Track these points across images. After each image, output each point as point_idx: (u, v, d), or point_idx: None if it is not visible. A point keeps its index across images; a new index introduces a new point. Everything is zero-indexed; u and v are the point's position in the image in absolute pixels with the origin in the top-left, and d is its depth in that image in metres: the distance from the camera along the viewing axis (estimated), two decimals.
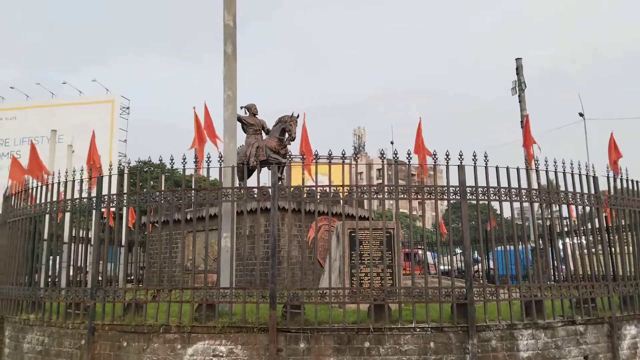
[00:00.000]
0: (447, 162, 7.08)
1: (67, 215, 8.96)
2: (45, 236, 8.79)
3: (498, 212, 7.87)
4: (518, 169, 7.34)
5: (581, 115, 27.88)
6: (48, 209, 8.19)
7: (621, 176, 8.21)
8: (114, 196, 7.55)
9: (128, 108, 27.64)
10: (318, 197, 7.35)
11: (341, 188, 7.10)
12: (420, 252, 17.01)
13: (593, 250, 7.85)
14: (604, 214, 8.22)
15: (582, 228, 8.04)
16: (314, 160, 7.37)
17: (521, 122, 17.40)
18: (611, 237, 8.43)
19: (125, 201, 7.67)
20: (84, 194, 7.84)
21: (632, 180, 8.36)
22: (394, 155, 7.45)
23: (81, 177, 7.80)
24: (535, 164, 7.64)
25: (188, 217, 12.30)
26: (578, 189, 7.67)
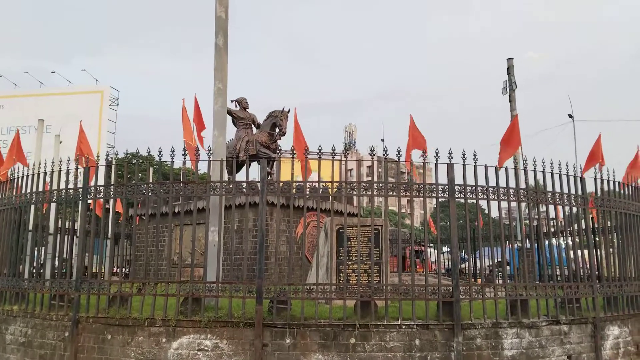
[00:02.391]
0: (437, 160, 7.10)
1: (53, 205, 8.86)
2: (30, 227, 8.69)
3: (486, 211, 7.90)
4: (507, 169, 7.38)
5: (570, 116, 28.05)
6: (33, 199, 8.09)
7: (608, 178, 8.27)
8: (101, 187, 7.48)
9: (117, 99, 27.35)
10: (307, 192, 7.32)
11: (330, 184, 7.07)
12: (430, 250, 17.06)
13: (579, 250, 7.91)
14: (590, 215, 8.29)
15: (568, 229, 8.10)
16: (305, 156, 7.36)
17: (511, 122, 17.47)
18: (597, 238, 8.51)
19: (112, 193, 7.59)
20: (77, 184, 7.75)
21: (619, 182, 8.44)
22: (384, 153, 7.45)
23: (68, 167, 7.71)
24: (524, 164, 7.68)
25: (176, 210, 12.22)
26: (565, 190, 7.73)
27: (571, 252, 7.77)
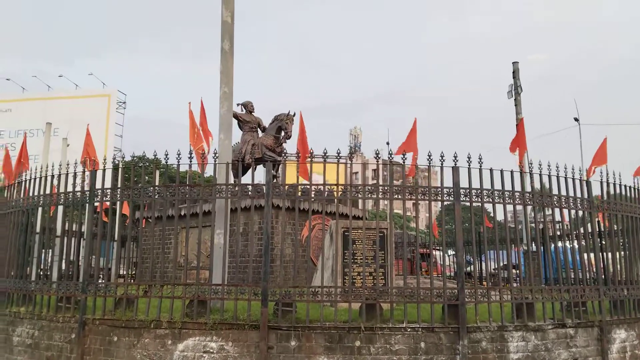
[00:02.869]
0: (442, 164, 7.10)
1: (60, 208, 8.92)
2: (38, 229, 8.75)
3: (492, 214, 7.88)
4: (512, 172, 7.37)
5: (576, 120, 27.99)
6: (41, 202, 8.16)
7: (614, 181, 8.25)
8: (108, 190, 7.53)
9: (124, 103, 27.58)
10: (312, 195, 7.34)
11: (335, 187, 7.09)
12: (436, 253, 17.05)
13: (585, 254, 7.89)
14: (596, 219, 8.26)
15: (574, 232, 8.07)
16: (309, 159, 7.38)
17: (517, 125, 17.43)
18: (603, 242, 8.48)
19: (118, 195, 7.64)
20: (84, 187, 7.80)
21: (625, 186, 8.41)
22: (389, 156, 7.46)
23: (75, 170, 7.77)
24: (529, 167, 7.67)
25: (182, 213, 12.27)
26: (571, 193, 7.71)
27: (577, 255, 7.75)
